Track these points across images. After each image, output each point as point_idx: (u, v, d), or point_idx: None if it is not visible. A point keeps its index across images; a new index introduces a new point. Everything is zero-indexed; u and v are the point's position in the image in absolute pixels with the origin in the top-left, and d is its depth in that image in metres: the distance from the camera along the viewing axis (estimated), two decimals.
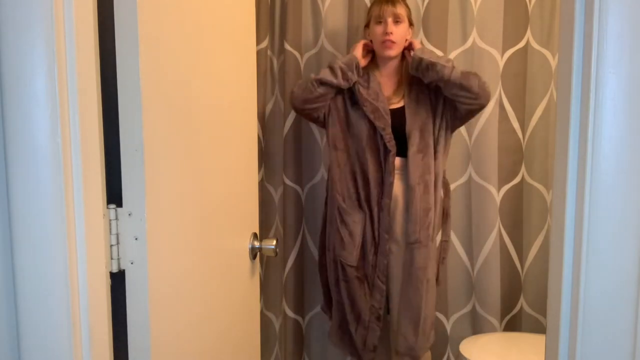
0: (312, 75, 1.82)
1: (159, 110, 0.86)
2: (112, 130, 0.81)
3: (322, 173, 2.19)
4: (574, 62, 0.71)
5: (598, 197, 0.69)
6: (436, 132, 1.82)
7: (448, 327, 2.18)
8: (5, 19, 0.67)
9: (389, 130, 1.79)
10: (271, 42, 2.22)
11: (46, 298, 0.71)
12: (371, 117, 1.80)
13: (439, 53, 2.03)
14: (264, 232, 2.25)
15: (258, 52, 2.13)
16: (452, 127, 1.87)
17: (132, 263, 0.83)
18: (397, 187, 1.83)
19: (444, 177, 1.89)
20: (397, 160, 1.83)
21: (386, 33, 1.79)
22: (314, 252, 2.22)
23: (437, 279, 1.95)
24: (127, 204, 0.82)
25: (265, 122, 2.25)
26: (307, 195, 2.23)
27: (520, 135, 2.11)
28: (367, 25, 1.89)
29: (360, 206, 1.84)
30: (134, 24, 0.79)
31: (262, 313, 2.26)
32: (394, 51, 1.82)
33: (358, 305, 1.86)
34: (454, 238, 2.13)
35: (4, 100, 0.69)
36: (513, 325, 2.18)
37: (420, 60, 1.76)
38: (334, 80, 1.79)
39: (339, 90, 1.85)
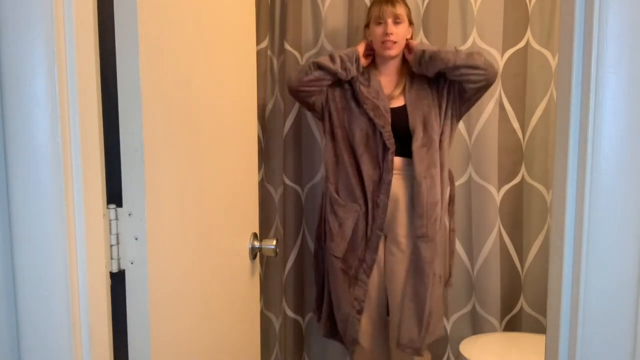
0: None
1: (159, 110, 0.86)
2: (112, 130, 0.81)
3: (322, 173, 2.19)
4: (574, 62, 0.71)
5: (598, 197, 0.69)
6: (441, 123, 1.82)
7: (448, 327, 2.18)
8: (5, 19, 0.67)
9: (389, 128, 1.80)
10: (271, 42, 2.22)
11: (46, 298, 0.71)
12: (371, 114, 1.80)
13: None
14: (264, 232, 2.25)
15: (258, 52, 2.13)
16: (459, 114, 1.87)
17: (132, 263, 0.83)
18: (398, 187, 1.83)
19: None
20: (399, 160, 1.83)
21: (386, 34, 1.79)
22: None
23: (448, 279, 1.95)
24: (127, 204, 0.82)
25: (265, 122, 2.25)
26: (307, 195, 2.23)
27: (520, 135, 2.11)
28: (367, 26, 1.90)
29: (354, 199, 1.85)
30: (134, 24, 0.79)
31: (262, 313, 2.26)
32: (394, 51, 1.83)
33: (339, 297, 1.88)
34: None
35: (4, 100, 0.69)
36: (513, 325, 2.18)
37: (423, 52, 1.77)
38: (332, 66, 1.79)
39: (338, 83, 1.86)
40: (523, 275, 2.17)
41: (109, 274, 0.80)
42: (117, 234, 0.82)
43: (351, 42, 2.11)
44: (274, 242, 1.33)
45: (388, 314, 1.93)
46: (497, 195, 2.10)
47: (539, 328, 2.15)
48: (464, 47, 2.07)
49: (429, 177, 1.78)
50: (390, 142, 1.79)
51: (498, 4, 2.06)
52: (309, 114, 2.19)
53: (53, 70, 0.68)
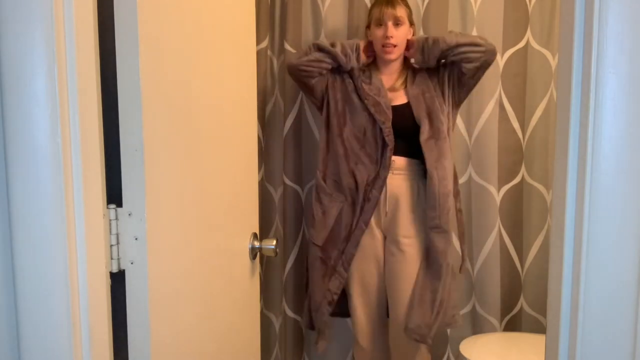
0: None
1: (159, 110, 0.86)
2: (112, 130, 0.81)
3: None
4: (574, 62, 0.71)
5: (598, 197, 0.69)
6: (446, 112, 1.83)
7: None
8: (5, 19, 0.67)
9: (389, 124, 1.80)
10: (271, 42, 2.22)
11: (46, 298, 0.71)
12: (372, 110, 1.81)
13: None
14: (264, 232, 2.25)
15: (258, 52, 2.13)
16: (459, 100, 1.88)
17: (132, 263, 0.83)
18: (399, 187, 1.83)
19: None
20: (401, 160, 1.83)
21: (386, 37, 1.80)
22: None
23: (462, 265, 1.95)
24: (127, 204, 0.82)
25: (265, 122, 2.24)
26: (307, 195, 2.23)
27: (520, 135, 2.11)
28: (368, 27, 1.90)
29: (341, 190, 1.86)
30: (134, 24, 0.79)
31: (262, 313, 2.26)
32: (394, 55, 1.85)
33: (314, 285, 1.90)
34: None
35: (4, 100, 0.69)
36: (513, 325, 2.18)
37: (426, 39, 1.81)
38: (332, 49, 1.82)
39: (340, 74, 1.87)
40: (523, 275, 2.17)
41: (109, 274, 0.80)
42: (117, 234, 0.82)
43: None
44: (274, 242, 1.33)
45: (388, 315, 1.93)
46: (497, 195, 2.10)
47: (539, 328, 2.15)
48: None
49: (440, 168, 1.79)
50: (390, 139, 1.80)
51: (498, 4, 2.06)
52: (309, 114, 2.19)
53: (53, 70, 0.68)
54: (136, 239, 0.82)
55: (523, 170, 2.13)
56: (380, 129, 1.80)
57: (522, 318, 2.18)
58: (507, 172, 2.11)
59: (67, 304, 0.71)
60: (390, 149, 1.80)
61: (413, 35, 1.89)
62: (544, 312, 2.12)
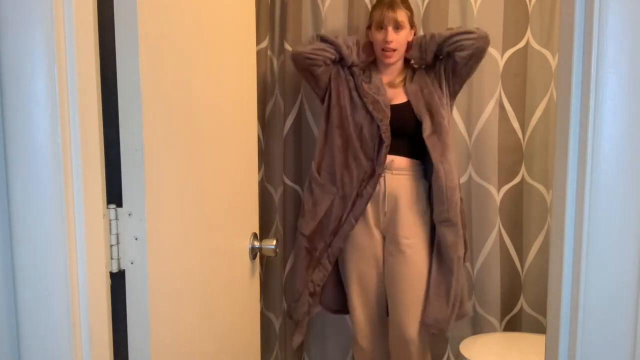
0: None
1: (159, 110, 0.86)
2: (112, 130, 0.81)
3: None
4: (574, 62, 0.71)
5: (598, 197, 0.69)
6: (445, 106, 1.85)
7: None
8: (5, 19, 0.67)
9: (387, 122, 1.81)
10: (271, 42, 2.22)
11: (46, 298, 0.71)
12: (370, 107, 1.83)
13: None
14: (264, 232, 2.25)
15: (258, 52, 2.13)
16: (454, 90, 1.88)
17: (132, 263, 0.83)
18: (398, 187, 1.83)
19: None
20: (400, 160, 1.84)
21: (386, 42, 1.80)
22: None
23: (465, 254, 1.95)
24: (127, 204, 0.82)
25: (265, 122, 2.24)
26: None
27: (520, 135, 2.11)
28: (369, 27, 1.90)
29: (333, 183, 1.87)
30: (134, 24, 0.79)
31: (262, 313, 2.26)
32: (394, 58, 1.86)
33: (297, 275, 1.92)
34: None
35: (4, 100, 0.69)
36: (513, 325, 2.18)
37: (423, 36, 1.84)
38: (335, 39, 1.85)
39: (341, 69, 1.89)
40: (523, 275, 2.17)
41: (109, 274, 0.80)
42: (117, 234, 0.82)
43: None
44: (274, 242, 1.33)
45: (387, 315, 1.93)
46: (497, 195, 2.10)
47: (539, 328, 2.15)
48: None
49: (446, 162, 1.80)
50: (386, 136, 1.80)
51: (498, 4, 2.06)
52: (309, 114, 2.19)
53: (53, 70, 0.68)
54: (136, 239, 0.82)
55: (523, 170, 2.13)
56: (378, 127, 1.81)
57: (522, 318, 2.18)
58: (507, 172, 2.11)
59: (67, 304, 0.71)
60: (386, 145, 1.81)
61: (414, 36, 1.90)
62: (544, 312, 2.12)
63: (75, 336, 0.72)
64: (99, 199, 0.77)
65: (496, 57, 2.06)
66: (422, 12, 2.08)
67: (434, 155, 1.80)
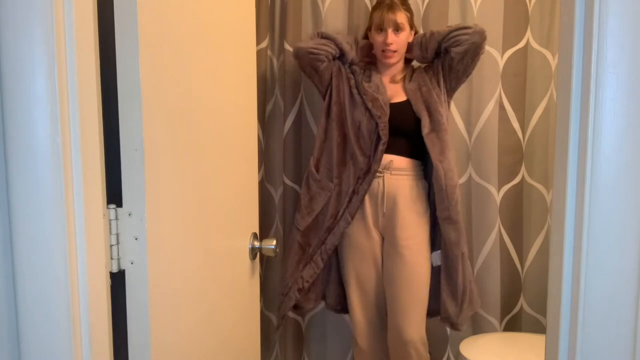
0: None
1: (159, 110, 0.86)
2: (112, 130, 0.81)
3: None
4: (574, 62, 0.71)
5: (598, 197, 0.69)
6: (444, 103, 1.85)
7: (448, 327, 2.18)
8: (5, 19, 0.67)
9: (385, 119, 1.81)
10: (271, 42, 2.22)
11: (46, 298, 0.71)
12: (369, 105, 1.83)
13: None
14: (264, 232, 2.25)
15: (258, 52, 2.13)
16: (451, 87, 1.88)
17: (132, 263, 0.83)
18: (397, 188, 1.83)
19: None
20: (399, 160, 1.84)
21: (386, 44, 1.81)
22: None
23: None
24: (127, 204, 0.82)
25: (265, 122, 2.24)
26: None
27: (520, 135, 2.11)
28: (369, 28, 1.91)
29: (331, 179, 1.88)
30: (134, 24, 0.79)
31: (262, 313, 2.26)
32: (394, 60, 1.87)
33: (287, 269, 1.92)
34: None
35: (4, 100, 0.69)
36: (513, 325, 2.18)
37: (423, 34, 1.85)
38: (335, 36, 1.87)
39: (343, 66, 1.90)
40: (523, 275, 2.17)
41: (109, 274, 0.80)
42: (117, 234, 0.82)
43: None
44: (274, 242, 1.33)
45: (387, 315, 1.93)
46: (497, 195, 2.10)
47: (539, 328, 2.15)
48: None
49: (445, 160, 1.81)
50: (384, 133, 1.80)
51: (498, 4, 2.06)
52: (309, 114, 2.19)
53: (53, 70, 0.68)
54: (136, 239, 0.82)
55: (523, 170, 2.13)
56: (376, 124, 1.81)
57: (522, 318, 2.18)
58: (507, 172, 2.11)
59: (67, 304, 0.71)
60: (383, 143, 1.81)
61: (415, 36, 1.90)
62: (544, 312, 2.12)
63: (75, 336, 0.72)
64: (98, 199, 0.77)
65: (496, 57, 2.06)
66: (422, 12, 2.08)
67: (433, 153, 1.80)
